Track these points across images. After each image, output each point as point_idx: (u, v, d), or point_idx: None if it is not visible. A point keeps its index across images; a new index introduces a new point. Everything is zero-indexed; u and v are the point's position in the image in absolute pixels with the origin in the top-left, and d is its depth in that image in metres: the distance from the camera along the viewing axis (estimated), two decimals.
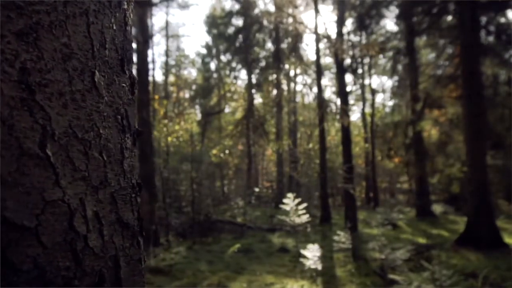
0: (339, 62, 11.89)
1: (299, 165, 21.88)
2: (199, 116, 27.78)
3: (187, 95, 29.76)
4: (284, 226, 11.97)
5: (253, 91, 22.76)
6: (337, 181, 19.28)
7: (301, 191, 18.47)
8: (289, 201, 9.51)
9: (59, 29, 0.56)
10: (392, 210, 15.14)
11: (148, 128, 10.82)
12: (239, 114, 24.67)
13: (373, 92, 24.89)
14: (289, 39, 18.01)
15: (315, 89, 20.59)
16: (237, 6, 20.92)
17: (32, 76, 0.52)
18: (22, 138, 0.50)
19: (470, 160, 10.54)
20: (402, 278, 6.55)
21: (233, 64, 24.24)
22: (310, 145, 23.32)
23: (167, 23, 25.85)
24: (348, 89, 20.27)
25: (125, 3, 0.76)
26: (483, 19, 12.82)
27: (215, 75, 27.07)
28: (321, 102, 14.34)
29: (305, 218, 9.60)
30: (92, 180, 0.60)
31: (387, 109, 26.71)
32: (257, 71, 22.54)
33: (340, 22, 12.62)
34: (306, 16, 27.31)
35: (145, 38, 10.99)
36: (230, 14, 21.79)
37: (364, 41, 18.29)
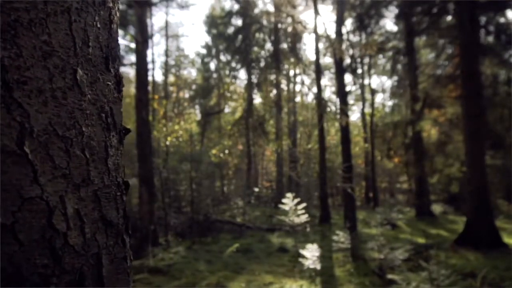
0: (338, 62, 11.89)
1: (298, 165, 21.89)
2: (198, 116, 27.79)
3: (186, 95, 29.77)
4: (283, 226, 11.97)
5: (253, 91, 22.77)
6: (337, 181, 19.28)
7: (301, 191, 18.48)
8: (288, 201, 9.51)
9: (39, 26, 0.56)
10: (392, 210, 15.12)
11: (147, 128, 10.81)
12: (238, 114, 24.67)
13: (373, 92, 24.89)
14: (289, 39, 18.01)
15: (315, 89, 20.60)
16: (236, 6, 20.92)
17: (10, 73, 0.52)
18: None
19: (469, 160, 10.54)
20: (401, 278, 6.54)
21: (233, 64, 24.24)
22: (310, 145, 23.35)
23: (166, 23, 25.90)
24: (347, 89, 20.28)
25: (110, 1, 0.76)
26: (483, 19, 12.83)
27: (214, 75, 27.09)
28: (321, 102, 14.34)
29: (304, 218, 9.60)
30: (73, 177, 0.60)
31: (387, 109, 26.71)
32: (256, 71, 22.54)
33: (340, 22, 12.61)
34: (306, 16, 27.31)
35: (144, 38, 10.98)
36: (229, 14, 21.79)
37: (364, 41, 18.29)
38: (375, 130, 22.35)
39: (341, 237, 9.12)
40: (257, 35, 21.15)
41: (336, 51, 10.10)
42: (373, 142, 22.20)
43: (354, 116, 31.81)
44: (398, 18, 16.67)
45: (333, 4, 14.03)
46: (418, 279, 5.73)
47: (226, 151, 21.30)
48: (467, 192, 10.78)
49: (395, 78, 20.05)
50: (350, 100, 28.01)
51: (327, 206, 15.25)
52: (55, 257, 0.54)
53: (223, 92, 26.47)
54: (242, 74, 26.95)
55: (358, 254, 9.03)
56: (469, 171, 10.55)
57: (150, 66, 22.63)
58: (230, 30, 22.02)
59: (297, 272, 7.92)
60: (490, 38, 13.49)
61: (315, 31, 13.93)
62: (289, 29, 15.70)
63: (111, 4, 0.76)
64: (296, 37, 16.77)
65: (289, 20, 13.27)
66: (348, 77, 21.61)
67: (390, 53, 18.44)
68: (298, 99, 27.35)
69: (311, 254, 7.74)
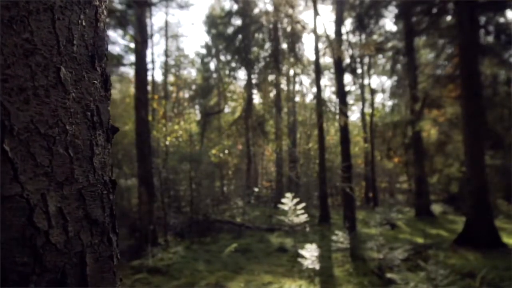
0: (337, 62, 11.89)
1: (298, 165, 21.88)
2: (198, 116, 27.78)
3: (186, 95, 29.77)
4: (282, 226, 11.97)
5: (253, 91, 22.76)
6: (336, 181, 19.28)
7: (300, 191, 18.48)
8: (288, 201, 9.51)
9: (20, 24, 0.56)
10: (391, 210, 15.12)
11: (146, 128, 10.81)
12: (238, 114, 24.67)
13: (373, 92, 24.87)
14: (288, 39, 18.02)
15: (314, 89, 20.61)
16: (236, 6, 20.92)
17: None
18: None
19: (469, 160, 10.54)
20: (400, 278, 6.54)
21: (233, 64, 24.24)
22: (310, 145, 23.34)
23: (166, 23, 25.89)
24: (347, 89, 20.29)
25: (97, 0, 0.76)
26: (482, 19, 12.82)
27: (214, 75, 27.07)
28: (320, 102, 14.33)
29: (303, 218, 9.60)
30: (56, 176, 0.60)
31: (387, 109, 26.70)
32: (256, 71, 22.53)
33: (339, 22, 12.60)
34: (305, 16, 27.30)
35: (143, 38, 10.98)
36: (229, 14, 21.79)
37: (364, 41, 18.29)
38: (375, 130, 22.34)
39: (340, 237, 9.12)
40: (256, 35, 21.15)
41: (334, 51, 10.10)
42: (372, 142, 22.19)
43: (354, 116, 31.81)
44: (397, 18, 16.67)
45: (333, 4, 14.02)
46: (416, 279, 5.73)
47: (226, 151, 21.30)
48: (467, 192, 10.78)
49: (395, 78, 20.05)
50: (350, 100, 28.01)
51: (327, 206, 15.24)
52: (35, 256, 0.54)
53: (223, 92, 26.46)
54: (242, 74, 26.97)
55: (357, 254, 9.02)
56: (469, 171, 10.55)
57: (150, 66, 22.64)
58: (230, 30, 22.01)
59: (296, 272, 7.92)
60: (490, 38, 13.48)
61: (314, 31, 13.93)
62: (289, 29, 15.70)
63: (97, 3, 0.76)
64: (294, 37, 16.76)
65: (289, 20, 13.27)
66: (348, 77, 21.64)
67: (389, 53, 18.44)
68: (297, 99, 27.35)
69: (310, 254, 7.75)
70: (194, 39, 35.64)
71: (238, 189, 21.35)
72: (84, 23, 0.70)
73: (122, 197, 13.57)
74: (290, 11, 10.71)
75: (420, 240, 10.85)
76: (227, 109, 28.45)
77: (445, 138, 16.67)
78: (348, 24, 16.89)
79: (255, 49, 21.88)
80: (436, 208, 17.29)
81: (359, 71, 23.39)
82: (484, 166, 10.40)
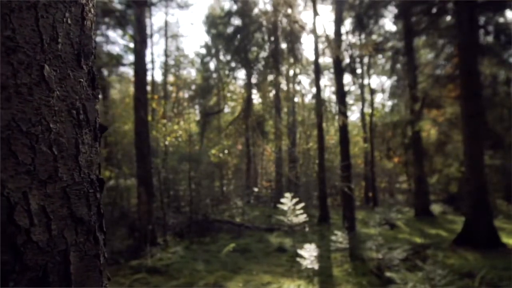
0: (337, 62, 11.89)
1: (298, 165, 21.88)
2: (198, 116, 27.79)
3: (186, 95, 29.78)
4: (282, 226, 11.96)
5: (252, 91, 22.76)
6: (336, 181, 19.28)
7: (300, 191, 18.48)
8: (287, 201, 9.50)
9: (2, 22, 0.56)
10: (391, 210, 15.12)
11: (145, 128, 10.81)
12: (237, 114, 24.64)
13: (372, 92, 24.87)
14: (287, 39, 18.02)
15: (314, 89, 20.61)
16: (236, 6, 20.92)
17: None
18: None
19: (468, 160, 10.53)
20: (399, 278, 6.54)
21: (232, 64, 24.23)
22: (310, 145, 23.34)
23: (166, 23, 25.89)
24: (347, 89, 20.28)
25: None
26: (482, 19, 12.82)
27: (214, 75, 27.07)
28: (320, 102, 14.33)
29: (302, 218, 9.58)
30: (39, 174, 0.60)
31: (387, 109, 26.69)
32: (256, 71, 22.53)
33: (338, 22, 12.60)
34: (305, 16, 27.30)
35: (142, 38, 10.98)
36: (229, 14, 21.78)
37: (363, 41, 18.28)
38: (374, 130, 22.34)
39: (339, 237, 9.12)
40: (256, 35, 21.14)
41: (333, 50, 10.10)
42: (372, 142, 22.19)
43: (354, 116, 31.83)
44: (397, 18, 16.66)
45: (332, 4, 14.03)
46: (415, 279, 5.73)
47: (226, 151, 21.30)
48: (466, 192, 10.78)
49: (395, 78, 20.05)
50: (350, 100, 28.01)
51: (326, 206, 15.23)
52: (16, 254, 0.53)
53: (222, 92, 26.46)
54: (242, 74, 26.95)
55: (357, 254, 9.02)
56: (468, 171, 10.54)
57: (149, 66, 22.66)
58: (230, 30, 22.02)
59: (295, 272, 7.92)
60: (490, 38, 13.47)
61: (314, 31, 13.93)
62: (288, 29, 15.70)
63: (84, 1, 0.75)
64: (293, 37, 16.76)
65: (287, 20, 13.27)
66: (347, 77, 21.64)
67: (389, 53, 18.43)
68: (297, 99, 27.35)
69: (309, 254, 7.74)
70: (194, 39, 35.68)
71: (237, 189, 21.36)
72: (69, 21, 0.70)
73: (122, 197, 13.58)
74: (289, 11, 10.71)
75: (419, 240, 10.85)
76: (226, 109, 28.45)
77: (445, 138, 16.67)
78: (347, 24, 16.89)
79: (254, 49, 21.89)
80: (436, 208, 17.29)
81: (358, 71, 23.40)
82: (483, 166, 10.40)
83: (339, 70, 12.28)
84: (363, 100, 24.98)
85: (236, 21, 21.73)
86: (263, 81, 22.06)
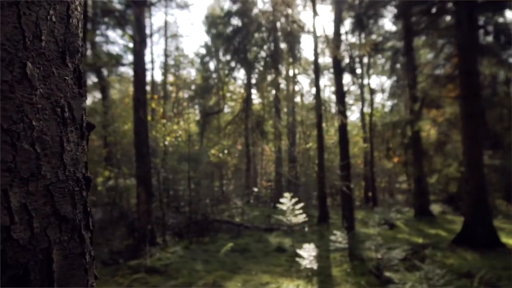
0: (336, 62, 11.89)
1: (297, 165, 21.87)
2: (198, 116, 27.79)
3: (186, 95, 29.78)
4: (281, 226, 11.97)
5: (252, 91, 22.77)
6: (336, 181, 19.27)
7: (300, 191, 18.48)
8: (286, 201, 9.50)
9: None
10: (391, 210, 15.13)
11: (145, 128, 10.80)
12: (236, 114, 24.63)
13: (372, 92, 24.87)
14: (286, 39, 18.02)
15: (314, 89, 20.59)
16: (235, 6, 20.91)
17: None
18: None
19: (467, 160, 10.53)
20: (398, 278, 6.53)
21: (232, 64, 24.24)
22: (309, 145, 23.34)
23: (166, 23, 25.89)
24: (346, 89, 20.26)
25: None
26: (481, 19, 12.80)
27: (214, 75, 27.07)
28: (319, 102, 14.33)
29: (302, 217, 9.58)
30: (20, 171, 0.59)
31: (386, 109, 26.69)
32: (255, 71, 22.53)
33: (338, 22, 12.59)
34: (304, 16, 27.31)
35: (142, 38, 10.97)
36: (229, 14, 21.77)
37: (363, 41, 18.27)
38: (374, 130, 22.34)
39: (338, 237, 9.10)
40: (256, 35, 21.14)
41: (332, 50, 10.10)
42: (372, 142, 22.19)
43: (354, 116, 31.84)
44: (396, 18, 16.66)
45: (332, 4, 14.02)
46: (413, 279, 5.72)
47: (225, 151, 21.30)
48: (465, 192, 10.77)
49: (394, 78, 20.04)
50: (350, 100, 28.04)
51: (326, 206, 15.23)
52: None
53: (222, 92, 26.46)
54: (242, 74, 26.95)
55: (356, 254, 9.02)
56: (467, 171, 10.54)
57: (149, 66, 22.66)
58: (229, 30, 22.01)
59: (294, 272, 7.92)
60: (489, 38, 13.46)
61: (313, 31, 13.93)
62: (288, 29, 15.70)
63: None
64: (290, 37, 16.76)
65: (287, 19, 13.27)
66: (347, 77, 21.61)
67: (389, 53, 18.43)
68: (297, 99, 27.35)
69: (308, 254, 7.73)
70: (194, 39, 35.63)
71: (237, 189, 21.37)
72: (54, 19, 0.69)
73: (121, 197, 13.58)
74: (288, 10, 10.71)
75: (418, 240, 10.85)
76: (226, 109, 28.45)
77: (444, 138, 16.66)
78: (347, 24, 16.89)
79: (254, 49, 21.88)
80: (435, 208, 17.29)
81: (358, 71, 23.40)
82: (482, 166, 10.39)
83: (338, 70, 12.28)
84: (362, 100, 24.98)
85: (236, 21, 21.74)
86: (262, 81, 22.06)
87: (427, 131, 19.82)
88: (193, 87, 29.16)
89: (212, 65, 27.43)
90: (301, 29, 12.05)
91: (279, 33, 18.57)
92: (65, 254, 0.67)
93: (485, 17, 12.90)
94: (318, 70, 15.27)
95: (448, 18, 13.77)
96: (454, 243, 10.08)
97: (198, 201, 13.58)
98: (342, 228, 10.09)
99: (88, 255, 0.76)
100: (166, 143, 14.91)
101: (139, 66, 11.08)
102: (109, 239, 11.00)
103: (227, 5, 24.66)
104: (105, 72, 17.83)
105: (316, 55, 14.65)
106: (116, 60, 15.79)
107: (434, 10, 13.43)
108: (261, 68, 21.85)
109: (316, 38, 14.29)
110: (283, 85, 23.89)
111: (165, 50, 25.15)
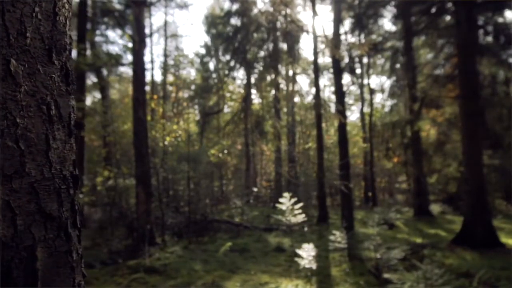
0: (335, 62, 11.88)
1: (297, 165, 21.87)
2: (198, 116, 27.78)
3: (185, 95, 29.78)
4: (280, 226, 11.97)
5: (252, 91, 22.76)
6: (335, 181, 19.26)
7: (299, 191, 18.46)
8: (285, 201, 9.49)
9: None
10: (390, 209, 15.11)
11: (144, 128, 10.80)
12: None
13: (372, 91, 24.87)
14: (286, 39, 18.02)
15: (314, 89, 20.59)
16: (235, 6, 20.92)
17: None
18: None
19: (467, 160, 10.53)
20: (397, 277, 6.53)
21: (232, 64, 24.24)
22: (309, 145, 23.33)
23: (165, 22, 25.88)
24: (346, 89, 20.27)
25: None
26: (481, 19, 12.80)
27: (214, 75, 27.07)
28: (319, 102, 14.32)
29: (301, 217, 9.58)
30: (4, 168, 0.59)
31: (386, 109, 26.69)
32: (255, 70, 22.54)
33: (337, 22, 12.58)
34: (304, 16, 27.37)
35: (141, 38, 10.97)
36: (228, 14, 21.78)
37: (362, 41, 18.27)
38: (374, 130, 22.33)
39: (337, 237, 9.10)
40: (255, 35, 21.15)
41: (331, 50, 10.10)
42: (372, 142, 22.19)
43: (353, 116, 31.83)
44: (396, 18, 16.65)
45: (331, 4, 14.02)
46: (412, 279, 5.72)
47: (225, 151, 21.29)
48: (465, 192, 10.77)
49: (394, 78, 20.03)
50: (349, 100, 28.03)
51: (325, 206, 15.23)
52: None
53: (222, 92, 26.45)
54: (242, 74, 26.95)
55: (355, 253, 9.01)
56: (467, 170, 10.54)
57: (149, 66, 22.67)
58: (229, 30, 22.02)
59: (293, 272, 7.92)
60: (489, 38, 13.45)
61: (313, 31, 13.92)
62: (288, 29, 15.71)
63: None
64: (289, 37, 16.76)
65: (287, 19, 13.28)
66: (347, 77, 21.61)
67: (388, 53, 18.42)
68: (296, 99, 27.33)
69: (307, 253, 7.72)
70: (194, 39, 35.60)
71: (237, 189, 21.36)
72: (39, 16, 0.69)
73: (120, 197, 13.58)
74: (287, 10, 10.71)
75: (418, 240, 10.84)
76: (226, 109, 28.45)
77: (444, 138, 16.65)
78: (347, 24, 16.88)
79: (254, 49, 21.89)
80: (435, 208, 17.28)
81: (358, 71, 23.41)
82: (482, 166, 10.39)
83: (338, 70, 12.26)
84: (362, 100, 24.98)
85: (235, 21, 21.74)
86: (262, 81, 22.06)
87: (426, 131, 19.81)
88: (192, 87, 29.16)
89: (211, 65, 27.46)
90: (300, 29, 12.04)
91: (279, 33, 18.57)
92: (51, 252, 0.67)
93: (485, 17, 12.90)
94: (317, 70, 15.27)
95: (447, 18, 13.77)
96: (454, 243, 10.08)
97: (197, 201, 13.57)
98: (342, 228, 10.09)
99: (75, 253, 0.75)
100: (166, 143, 14.90)
101: (138, 66, 11.08)
102: (108, 239, 11.00)
103: (226, 5, 24.68)
104: (104, 72, 17.84)
105: (316, 55, 14.66)
106: (115, 60, 15.80)
107: (433, 10, 13.43)
108: (261, 68, 21.86)
109: (315, 38, 14.30)
110: (282, 85, 23.89)
111: (165, 50, 25.17)
